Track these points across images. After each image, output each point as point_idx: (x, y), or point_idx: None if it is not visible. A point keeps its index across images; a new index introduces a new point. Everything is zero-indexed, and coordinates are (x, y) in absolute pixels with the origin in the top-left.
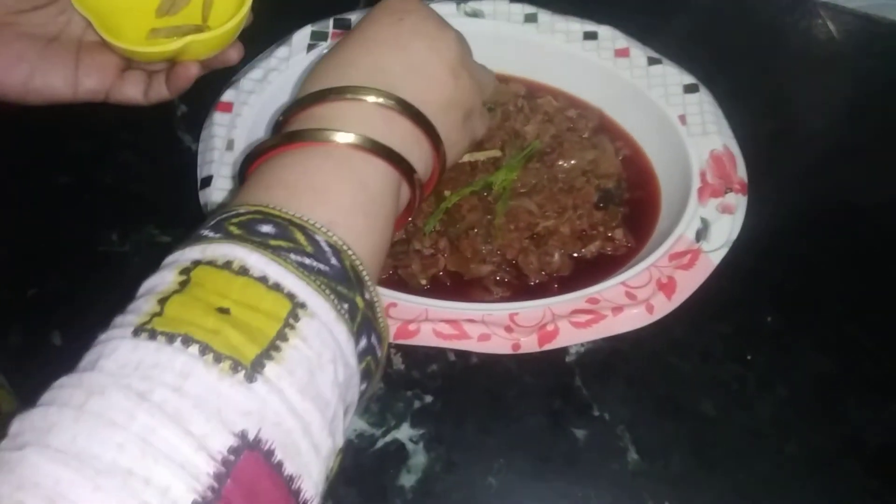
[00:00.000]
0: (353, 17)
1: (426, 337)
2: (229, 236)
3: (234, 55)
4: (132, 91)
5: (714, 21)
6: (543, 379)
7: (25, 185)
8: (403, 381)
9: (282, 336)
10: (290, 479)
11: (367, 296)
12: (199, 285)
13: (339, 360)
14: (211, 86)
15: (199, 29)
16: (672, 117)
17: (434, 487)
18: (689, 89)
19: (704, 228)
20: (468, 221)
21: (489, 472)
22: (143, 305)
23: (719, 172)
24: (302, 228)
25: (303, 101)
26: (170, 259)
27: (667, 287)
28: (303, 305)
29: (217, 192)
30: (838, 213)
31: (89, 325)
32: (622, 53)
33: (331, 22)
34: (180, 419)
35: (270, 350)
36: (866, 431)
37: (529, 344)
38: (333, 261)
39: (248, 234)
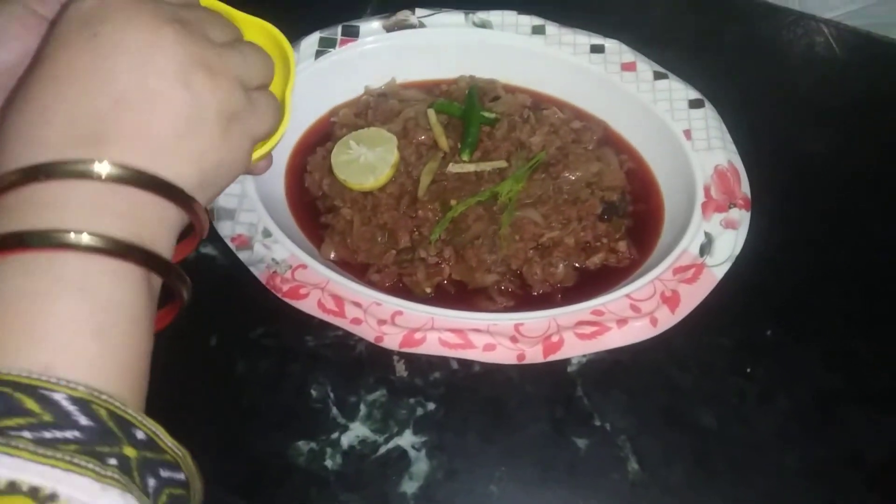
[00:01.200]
0: (362, 24)
1: (432, 346)
2: None
3: (262, 167)
4: None
5: (719, 37)
6: (545, 388)
7: None
8: (406, 389)
9: None
10: None
11: (139, 435)
12: None
13: None
14: None
15: None
16: (677, 132)
17: (436, 494)
18: (695, 104)
19: (708, 243)
20: (473, 231)
21: (491, 479)
22: None
23: (723, 188)
24: (32, 390)
25: None
26: None
27: (671, 300)
28: (52, 497)
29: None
30: (840, 228)
31: None
32: (629, 67)
33: (339, 29)
34: None
35: None
36: (867, 446)
37: (534, 355)
38: (83, 420)
39: None
